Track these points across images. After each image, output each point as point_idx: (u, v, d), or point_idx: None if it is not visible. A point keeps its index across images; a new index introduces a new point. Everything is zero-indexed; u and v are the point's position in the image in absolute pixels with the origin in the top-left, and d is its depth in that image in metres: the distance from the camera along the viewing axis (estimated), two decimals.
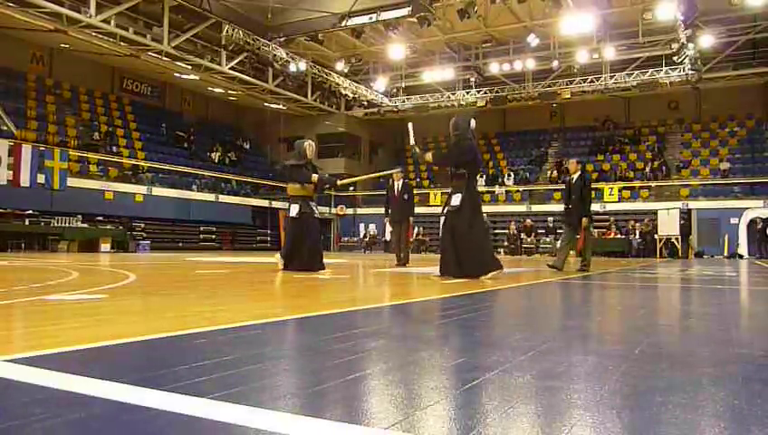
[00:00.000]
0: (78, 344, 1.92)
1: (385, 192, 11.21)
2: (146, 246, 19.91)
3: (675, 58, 22.33)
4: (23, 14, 17.31)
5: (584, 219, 8.91)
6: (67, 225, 17.46)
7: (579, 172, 9.07)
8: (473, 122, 6.48)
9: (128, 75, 25.97)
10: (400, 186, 10.52)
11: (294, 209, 7.42)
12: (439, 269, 6.41)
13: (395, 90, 29.26)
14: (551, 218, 24.35)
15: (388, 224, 11.16)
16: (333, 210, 30.90)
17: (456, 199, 6.32)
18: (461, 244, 6.18)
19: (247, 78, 24.40)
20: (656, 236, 22.11)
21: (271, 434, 1.08)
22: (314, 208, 7.53)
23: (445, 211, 6.50)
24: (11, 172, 16.60)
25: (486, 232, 6.62)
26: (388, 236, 11.04)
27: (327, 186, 8.04)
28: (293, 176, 7.52)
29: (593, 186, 10.73)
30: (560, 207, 25.20)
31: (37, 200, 17.43)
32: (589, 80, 25.02)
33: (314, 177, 7.41)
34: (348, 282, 5.47)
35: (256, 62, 24.01)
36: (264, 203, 26.74)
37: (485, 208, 28.15)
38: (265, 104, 28.55)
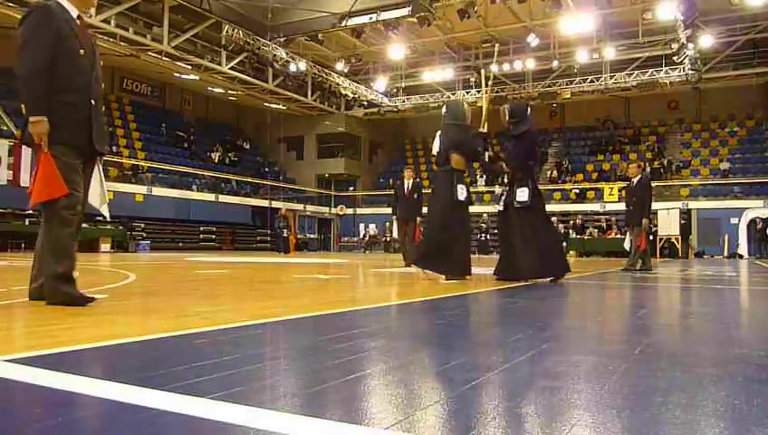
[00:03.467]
0: (78, 344, 1.92)
1: (393, 191, 11.23)
2: (146, 246, 19.91)
3: (675, 58, 22.34)
4: (22, 13, 17.29)
5: (644, 220, 9.16)
6: None
7: (639, 176, 9.42)
8: (529, 110, 6.07)
9: (128, 75, 25.97)
10: (411, 184, 10.53)
11: (463, 191, 5.65)
12: (503, 272, 5.79)
13: (395, 90, 29.27)
14: (554, 218, 24.35)
15: (395, 222, 11.05)
16: (333, 210, 30.93)
17: (524, 194, 5.71)
18: (542, 243, 5.67)
19: (247, 78, 24.40)
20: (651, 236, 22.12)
21: (271, 434, 1.08)
22: None
23: (506, 207, 5.88)
24: (11, 172, 16.61)
25: (552, 232, 6.29)
26: (395, 234, 10.73)
27: (485, 172, 6.63)
28: (466, 144, 5.66)
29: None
30: (560, 207, 25.32)
31: None
32: (589, 80, 25.03)
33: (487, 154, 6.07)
34: (348, 282, 5.48)
35: (256, 62, 24.02)
36: (264, 203, 26.75)
37: (486, 208, 28.00)
38: (265, 104, 28.56)
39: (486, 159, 6.01)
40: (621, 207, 23.87)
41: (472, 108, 6.12)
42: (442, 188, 5.65)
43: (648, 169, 25.96)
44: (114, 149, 22.63)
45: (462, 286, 5.01)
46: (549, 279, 5.75)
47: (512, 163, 6.02)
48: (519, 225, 5.73)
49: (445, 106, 6.02)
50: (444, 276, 5.56)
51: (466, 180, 5.85)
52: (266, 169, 29.94)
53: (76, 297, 3.03)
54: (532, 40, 22.17)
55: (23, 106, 3.02)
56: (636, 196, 9.24)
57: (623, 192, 10.05)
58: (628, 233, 9.88)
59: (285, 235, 22.64)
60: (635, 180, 9.37)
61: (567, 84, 25.61)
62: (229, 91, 27.57)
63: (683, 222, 22.12)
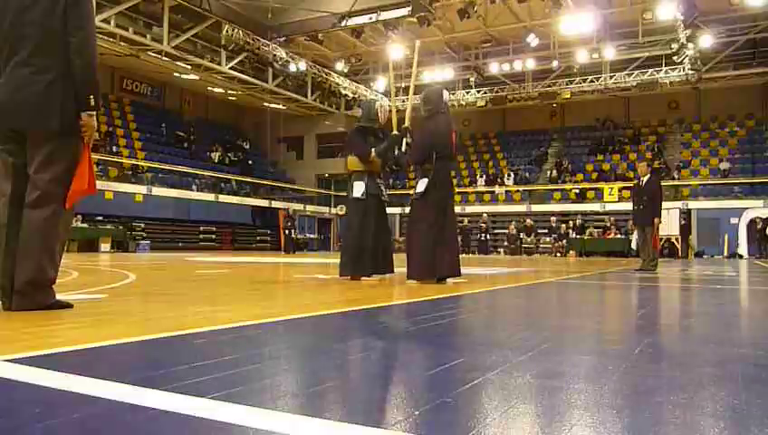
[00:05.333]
0: (78, 344, 1.92)
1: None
2: (146, 246, 19.92)
3: (675, 58, 22.33)
4: None
5: (656, 220, 9.05)
6: None
7: (649, 175, 9.28)
8: (445, 93, 5.57)
9: (128, 75, 25.96)
10: None
11: (359, 188, 5.62)
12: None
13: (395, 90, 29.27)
14: (554, 218, 24.37)
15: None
16: (333, 210, 30.93)
17: (421, 185, 5.29)
18: (425, 241, 5.23)
19: (247, 78, 24.41)
20: None
21: (271, 434, 1.08)
22: (383, 189, 5.79)
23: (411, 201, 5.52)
24: None
25: (444, 229, 5.25)
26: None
27: (394, 165, 5.91)
28: (352, 144, 5.79)
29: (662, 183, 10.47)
30: (560, 207, 25.32)
31: None
32: (589, 80, 25.03)
33: (373, 154, 5.62)
34: (347, 282, 5.48)
35: (256, 62, 24.02)
36: (264, 203, 26.76)
37: (485, 208, 27.82)
38: (265, 104, 28.56)
39: (404, 149, 5.58)
40: (621, 207, 24.10)
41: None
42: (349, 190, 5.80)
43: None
44: (114, 149, 22.65)
45: (460, 287, 5.01)
46: (413, 280, 5.28)
47: (414, 153, 5.56)
48: (410, 220, 5.43)
49: (360, 108, 5.99)
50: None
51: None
52: (251, 162, 29.84)
53: (61, 302, 2.88)
54: (532, 40, 22.16)
55: (91, 97, 2.75)
56: (647, 195, 9.09)
57: (630, 191, 9.84)
58: (635, 232, 9.76)
59: (292, 235, 22.59)
60: (644, 179, 9.21)
61: (567, 84, 25.60)
62: (229, 91, 27.57)
63: (683, 222, 22.11)
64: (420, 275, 5.23)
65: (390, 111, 5.95)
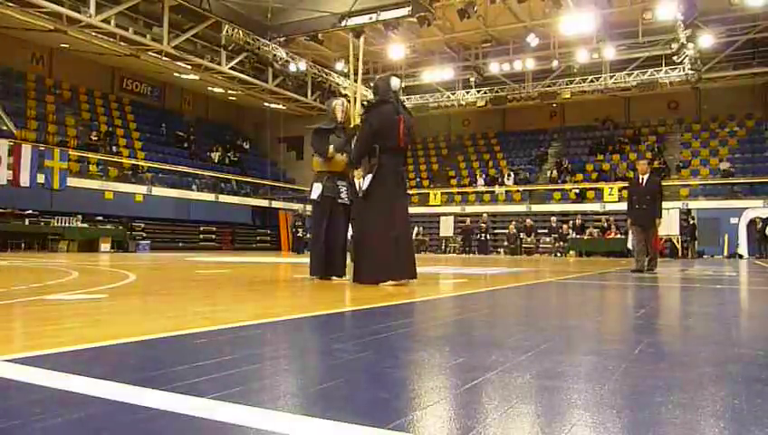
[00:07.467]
0: (78, 344, 1.92)
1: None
2: (146, 246, 19.93)
3: (675, 58, 22.34)
4: (22, 13, 17.29)
5: (658, 219, 8.90)
6: (67, 225, 17.49)
7: (648, 173, 9.07)
8: (394, 81, 5.21)
9: (128, 75, 25.97)
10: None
11: (316, 190, 5.61)
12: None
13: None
14: (554, 218, 24.36)
15: None
16: None
17: (366, 182, 5.09)
18: (358, 239, 5.14)
19: (247, 78, 24.41)
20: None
21: (271, 434, 1.08)
22: (342, 190, 5.64)
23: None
24: (11, 172, 16.61)
25: (394, 229, 4.98)
26: None
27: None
28: (312, 145, 5.67)
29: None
30: (560, 207, 25.30)
31: (37, 200, 17.43)
32: (589, 80, 25.03)
33: (331, 150, 5.50)
34: (347, 282, 5.47)
35: (256, 62, 24.03)
36: (264, 203, 26.74)
37: (485, 208, 27.65)
38: (265, 104, 28.55)
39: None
40: (621, 207, 23.94)
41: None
42: None
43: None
44: (114, 149, 22.66)
45: (461, 287, 5.00)
46: (346, 278, 5.30)
47: (355, 149, 5.26)
48: (356, 220, 5.27)
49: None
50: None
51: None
52: (244, 165, 29.87)
53: None
54: (532, 40, 22.17)
55: None
56: (650, 194, 8.86)
57: (628, 191, 9.52)
58: (630, 233, 9.54)
59: (300, 235, 22.53)
60: (645, 178, 8.97)
61: (567, 84, 25.60)
62: (229, 91, 27.57)
63: (692, 221, 22.13)
64: (369, 279, 4.98)
65: (349, 105, 5.81)
